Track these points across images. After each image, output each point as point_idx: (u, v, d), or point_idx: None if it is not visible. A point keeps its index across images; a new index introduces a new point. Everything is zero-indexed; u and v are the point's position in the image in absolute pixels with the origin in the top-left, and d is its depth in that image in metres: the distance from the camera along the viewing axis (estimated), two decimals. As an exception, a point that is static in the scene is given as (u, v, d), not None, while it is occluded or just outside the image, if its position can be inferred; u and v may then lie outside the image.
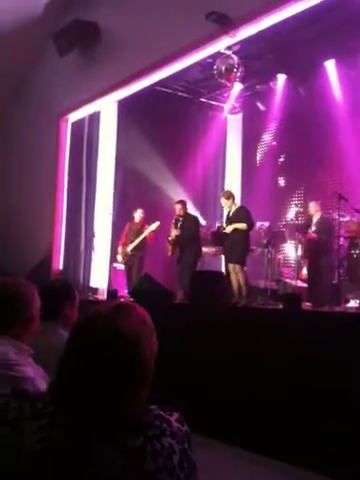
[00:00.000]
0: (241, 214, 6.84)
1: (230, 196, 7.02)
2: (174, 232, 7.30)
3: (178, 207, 7.43)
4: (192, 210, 8.36)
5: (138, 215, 8.01)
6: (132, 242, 7.87)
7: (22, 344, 1.88)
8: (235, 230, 6.74)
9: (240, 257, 6.76)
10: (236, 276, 6.71)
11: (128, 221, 8.18)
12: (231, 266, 6.80)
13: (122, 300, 5.79)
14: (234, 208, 6.96)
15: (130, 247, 7.87)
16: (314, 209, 7.11)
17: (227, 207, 7.06)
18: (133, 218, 8.08)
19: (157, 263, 8.13)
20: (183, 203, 7.51)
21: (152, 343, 1.17)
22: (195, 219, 7.61)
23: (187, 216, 7.46)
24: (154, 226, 7.75)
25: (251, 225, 6.86)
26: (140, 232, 7.87)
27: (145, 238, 7.82)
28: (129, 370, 1.10)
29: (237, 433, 4.01)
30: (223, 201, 7.05)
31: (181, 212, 7.40)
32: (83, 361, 1.10)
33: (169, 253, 7.43)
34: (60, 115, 9.01)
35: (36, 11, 8.78)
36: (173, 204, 7.70)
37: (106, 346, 1.10)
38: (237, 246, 6.73)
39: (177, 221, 7.37)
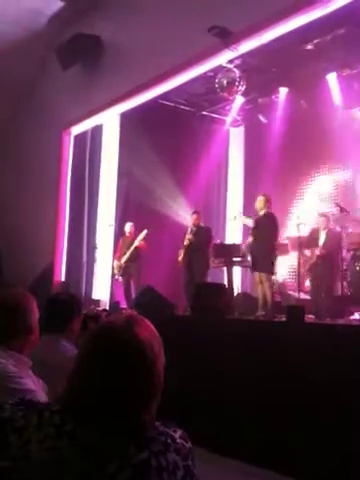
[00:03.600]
0: (266, 222, 6.65)
1: (267, 201, 6.73)
2: (189, 237, 7.49)
3: (194, 217, 7.72)
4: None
5: (128, 228, 8.21)
6: (125, 254, 8.01)
7: (21, 356, 1.86)
8: (259, 239, 6.61)
9: (266, 266, 6.50)
10: (262, 287, 6.50)
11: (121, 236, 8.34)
12: (257, 275, 6.61)
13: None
14: (262, 214, 6.74)
15: (123, 259, 8.02)
16: (323, 224, 7.07)
17: (260, 210, 6.79)
18: (124, 232, 8.23)
19: (157, 274, 8.12)
20: (198, 213, 7.81)
21: (162, 355, 1.17)
22: (208, 230, 7.79)
23: (200, 226, 7.67)
24: (142, 234, 7.91)
25: (276, 234, 6.72)
26: (131, 244, 8.02)
27: (137, 248, 7.96)
28: (144, 381, 1.11)
29: (241, 447, 3.97)
30: (261, 203, 6.73)
31: (196, 222, 7.66)
32: (99, 371, 1.10)
33: (180, 257, 7.56)
34: (63, 128, 9.07)
35: (39, 25, 8.88)
36: (176, 216, 7.84)
37: (123, 356, 1.10)
38: (262, 255, 6.56)
39: (192, 230, 7.59)
